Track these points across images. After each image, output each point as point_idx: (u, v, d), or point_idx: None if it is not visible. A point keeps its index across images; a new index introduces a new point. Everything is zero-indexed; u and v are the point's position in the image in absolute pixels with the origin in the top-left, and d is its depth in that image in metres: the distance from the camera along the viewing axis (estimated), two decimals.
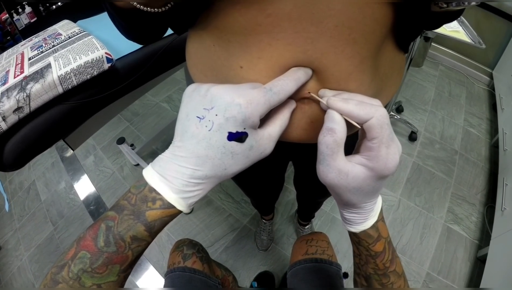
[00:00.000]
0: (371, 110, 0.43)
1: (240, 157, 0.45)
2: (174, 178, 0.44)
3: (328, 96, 0.48)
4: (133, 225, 0.44)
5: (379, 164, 0.45)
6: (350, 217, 0.55)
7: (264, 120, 0.48)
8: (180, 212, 0.46)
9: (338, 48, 0.47)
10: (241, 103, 0.42)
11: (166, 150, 0.47)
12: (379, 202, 0.57)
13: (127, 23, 0.53)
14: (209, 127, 0.43)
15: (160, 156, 0.46)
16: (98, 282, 0.43)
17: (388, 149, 0.45)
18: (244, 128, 0.43)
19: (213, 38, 0.54)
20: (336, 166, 0.46)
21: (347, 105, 0.44)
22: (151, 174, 0.45)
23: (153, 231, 0.45)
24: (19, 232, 2.39)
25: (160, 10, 0.47)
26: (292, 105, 0.52)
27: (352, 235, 0.59)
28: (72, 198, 2.49)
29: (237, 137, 0.43)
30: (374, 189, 0.49)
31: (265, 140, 0.47)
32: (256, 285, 1.88)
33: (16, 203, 2.57)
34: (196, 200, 0.47)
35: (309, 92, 0.52)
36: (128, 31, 0.58)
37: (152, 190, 0.44)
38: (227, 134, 0.42)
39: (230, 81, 0.55)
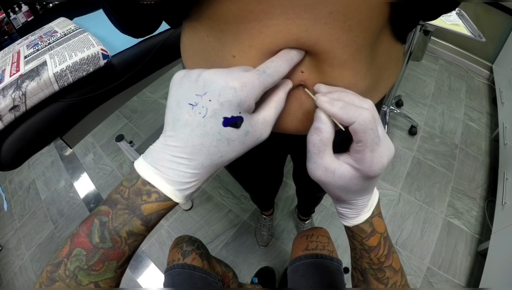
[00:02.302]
0: (354, 114, 0.43)
1: (236, 143, 0.44)
2: (168, 169, 0.43)
3: (321, 93, 0.49)
4: (129, 219, 0.43)
5: (364, 167, 0.46)
6: (343, 211, 0.56)
7: (258, 104, 0.47)
8: (176, 204, 0.45)
9: (333, 36, 0.46)
10: (236, 86, 0.41)
11: (157, 141, 0.45)
12: (374, 198, 0.57)
13: (121, 16, 0.53)
14: (203, 114, 0.41)
15: (151, 147, 0.45)
16: (95, 279, 0.42)
17: (372, 153, 0.45)
18: (240, 113, 0.42)
19: (206, 29, 0.53)
20: (323, 164, 0.47)
21: (331, 107, 0.44)
22: (144, 166, 0.44)
23: (150, 225, 0.45)
24: (19, 232, 2.40)
25: (152, 1, 0.46)
26: (288, 85, 0.51)
27: (347, 229, 0.59)
28: (72, 197, 2.49)
29: (233, 122, 0.42)
30: (363, 188, 0.50)
31: (260, 125, 0.46)
32: (256, 281, 1.88)
33: (16, 202, 2.57)
34: (193, 191, 0.46)
35: (304, 88, 0.52)
36: (122, 25, 0.58)
37: (146, 183, 0.43)
38: (222, 120, 0.41)
39: None
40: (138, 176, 0.44)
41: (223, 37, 0.51)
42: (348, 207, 0.54)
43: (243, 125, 0.43)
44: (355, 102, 0.45)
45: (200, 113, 0.42)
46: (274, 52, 0.48)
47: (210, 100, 0.41)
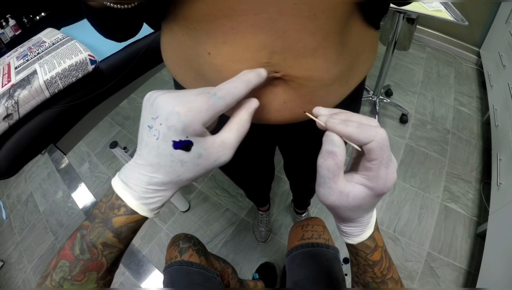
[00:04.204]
0: (371, 133, 0.43)
1: (190, 165, 0.45)
2: (135, 185, 0.45)
3: (323, 115, 0.48)
4: (102, 232, 0.45)
5: (378, 184, 0.45)
6: (348, 230, 0.55)
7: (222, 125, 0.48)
8: (145, 217, 0.47)
9: (300, 25, 0.48)
10: (180, 111, 0.41)
11: (131, 159, 0.47)
12: (374, 214, 0.57)
13: (102, 21, 0.55)
14: (156, 136, 0.43)
15: (125, 164, 0.48)
16: (78, 289, 0.45)
17: (387, 169, 0.45)
18: (187, 137, 0.43)
19: (182, 29, 0.56)
20: (338, 189, 0.45)
21: (346, 128, 0.43)
22: (117, 182, 0.47)
23: (122, 237, 0.47)
24: (20, 245, 2.40)
25: (128, 6, 0.48)
26: (251, 105, 0.50)
27: (350, 246, 0.59)
28: (70, 206, 2.50)
29: (182, 145, 0.43)
30: (372, 205, 0.50)
31: (216, 148, 0.46)
32: (257, 277, 1.90)
33: (15, 216, 2.58)
34: (159, 205, 0.48)
35: (304, 112, 0.52)
36: (104, 30, 0.60)
37: (118, 197, 0.46)
38: (172, 143, 0.43)
39: (202, 67, 0.57)
40: (113, 192, 0.47)
41: (197, 35, 0.53)
42: (354, 225, 0.54)
43: (193, 148, 0.44)
44: (364, 121, 0.45)
45: (154, 135, 0.43)
46: (245, 46, 0.51)
47: (160, 124, 0.42)
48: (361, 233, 0.55)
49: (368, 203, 0.48)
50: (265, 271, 1.98)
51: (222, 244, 2.17)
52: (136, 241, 2.20)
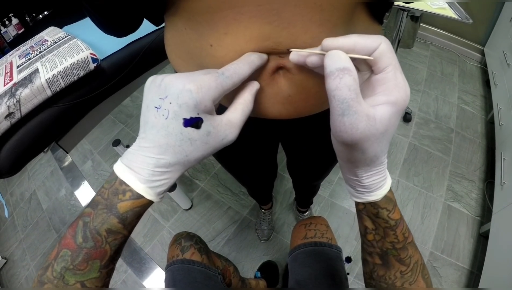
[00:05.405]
0: (375, 37, 0.40)
1: (199, 143, 0.45)
2: (140, 169, 0.45)
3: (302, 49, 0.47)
4: (107, 218, 0.45)
5: (400, 94, 0.41)
6: (371, 182, 0.50)
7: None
8: (150, 202, 0.47)
9: (306, 16, 0.47)
10: (192, 88, 0.42)
11: (133, 144, 0.47)
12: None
13: (102, 15, 0.55)
14: (165, 116, 0.43)
15: (128, 149, 0.47)
16: (81, 279, 0.45)
17: (402, 74, 0.42)
18: (198, 114, 0.43)
19: (184, 21, 0.55)
20: (364, 111, 0.39)
21: (349, 39, 0.41)
22: (120, 167, 0.46)
23: (127, 222, 0.46)
24: (24, 243, 2.41)
25: None
26: (254, 86, 0.52)
27: (370, 207, 0.53)
28: (73, 204, 2.51)
29: (193, 123, 0.44)
30: (395, 128, 0.45)
31: (224, 126, 0.47)
32: (259, 275, 1.90)
33: (18, 214, 2.59)
34: (165, 188, 0.48)
35: (289, 50, 0.49)
36: (104, 24, 0.59)
37: (122, 182, 0.45)
38: (182, 121, 0.43)
39: (203, 60, 0.56)
40: (116, 177, 0.46)
41: (199, 27, 0.52)
42: (376, 170, 0.49)
43: (203, 125, 0.44)
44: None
45: (163, 115, 0.43)
46: (248, 37, 0.50)
47: (170, 103, 0.43)
48: (383, 182, 0.50)
49: (394, 124, 0.43)
50: (267, 270, 1.98)
51: (224, 243, 2.17)
52: (138, 239, 2.21)
